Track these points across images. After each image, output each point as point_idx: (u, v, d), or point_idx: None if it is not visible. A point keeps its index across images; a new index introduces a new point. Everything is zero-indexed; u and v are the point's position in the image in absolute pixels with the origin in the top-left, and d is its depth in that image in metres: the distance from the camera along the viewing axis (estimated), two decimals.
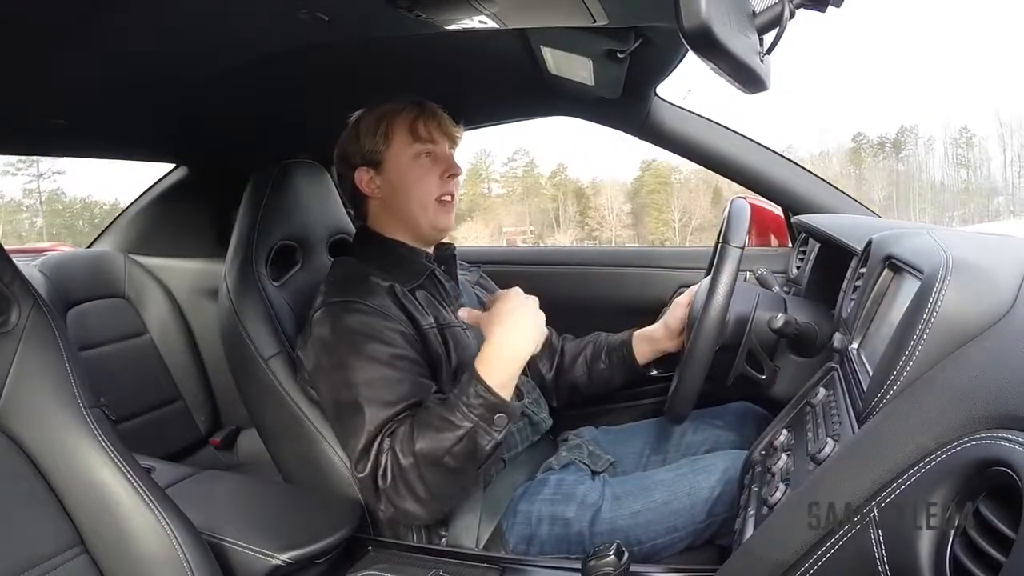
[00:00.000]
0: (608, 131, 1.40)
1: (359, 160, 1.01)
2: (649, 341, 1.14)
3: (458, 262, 1.10)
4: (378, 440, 0.82)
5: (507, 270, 1.48)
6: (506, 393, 0.81)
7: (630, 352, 1.15)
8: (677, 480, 0.92)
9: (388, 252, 1.00)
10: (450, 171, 1.01)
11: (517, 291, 0.88)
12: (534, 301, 0.87)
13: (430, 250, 1.05)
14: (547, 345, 1.20)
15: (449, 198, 1.01)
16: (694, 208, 26.81)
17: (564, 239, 27.54)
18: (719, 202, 26.30)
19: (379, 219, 1.03)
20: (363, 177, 1.01)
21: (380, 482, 0.81)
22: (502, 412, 0.80)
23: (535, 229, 28.31)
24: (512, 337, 0.82)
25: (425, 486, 0.80)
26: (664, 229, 26.69)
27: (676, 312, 1.11)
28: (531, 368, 1.15)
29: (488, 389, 0.79)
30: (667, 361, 1.16)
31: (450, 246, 1.08)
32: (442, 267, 1.05)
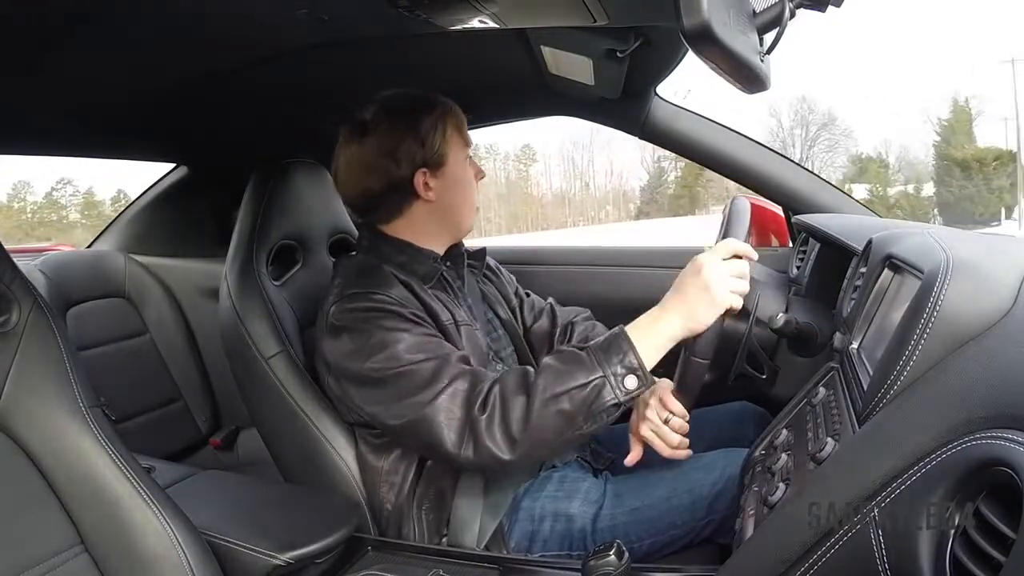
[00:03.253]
0: None
1: (420, 160, 0.96)
2: None
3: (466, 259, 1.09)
4: (457, 380, 0.80)
5: (508, 269, 1.48)
6: (648, 362, 0.79)
7: None
8: (677, 477, 0.92)
9: (399, 252, 0.98)
10: (480, 174, 1.04)
11: (717, 265, 0.80)
12: (727, 273, 0.79)
13: (440, 251, 1.03)
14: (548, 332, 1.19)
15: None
16: None
17: None
18: None
19: (406, 223, 1.00)
20: (420, 179, 0.96)
21: (477, 411, 0.78)
22: (635, 375, 0.77)
23: None
24: (678, 313, 0.79)
25: (527, 424, 0.77)
26: None
27: None
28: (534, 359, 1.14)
29: (633, 348, 0.78)
30: (667, 361, 1.15)
31: (458, 243, 1.07)
32: (447, 263, 1.03)
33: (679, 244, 1.73)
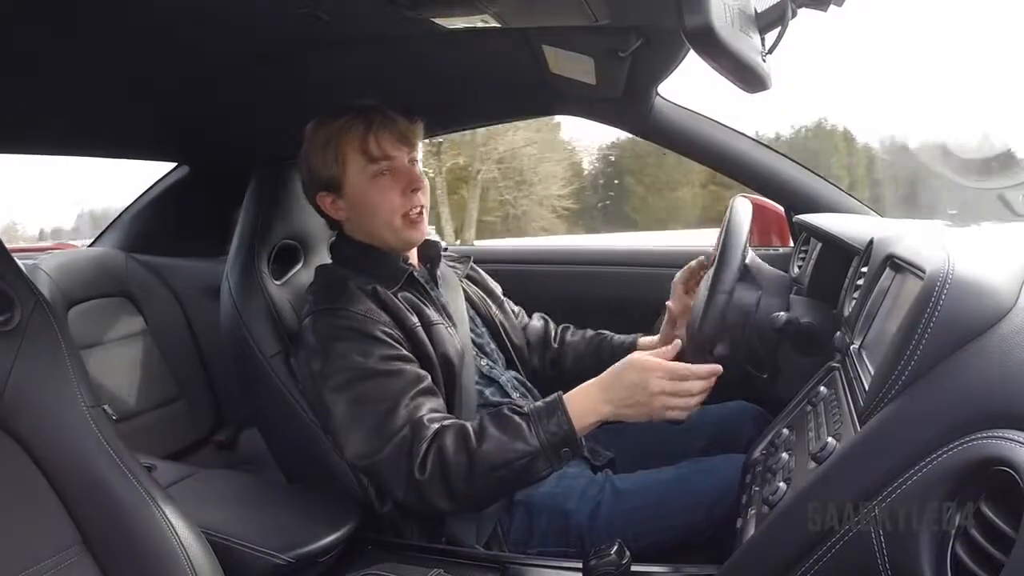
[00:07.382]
0: None
1: (318, 186, 0.99)
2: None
3: (444, 258, 1.10)
4: (402, 431, 0.83)
5: (506, 269, 1.48)
6: (581, 431, 0.84)
7: None
8: (677, 480, 0.92)
9: (365, 256, 1.00)
10: (412, 185, 0.97)
11: (662, 383, 0.81)
12: (671, 391, 0.81)
13: (409, 253, 1.05)
14: (540, 340, 1.20)
15: (417, 211, 0.98)
16: None
17: None
18: None
19: (352, 232, 1.02)
20: (326, 201, 1.00)
21: (417, 473, 0.82)
22: (569, 448, 0.83)
23: None
24: (620, 399, 0.83)
25: (466, 486, 0.82)
26: None
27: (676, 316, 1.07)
28: (521, 361, 1.15)
29: (570, 422, 0.82)
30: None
31: (435, 245, 1.08)
32: (427, 265, 1.06)
33: (677, 245, 1.73)
